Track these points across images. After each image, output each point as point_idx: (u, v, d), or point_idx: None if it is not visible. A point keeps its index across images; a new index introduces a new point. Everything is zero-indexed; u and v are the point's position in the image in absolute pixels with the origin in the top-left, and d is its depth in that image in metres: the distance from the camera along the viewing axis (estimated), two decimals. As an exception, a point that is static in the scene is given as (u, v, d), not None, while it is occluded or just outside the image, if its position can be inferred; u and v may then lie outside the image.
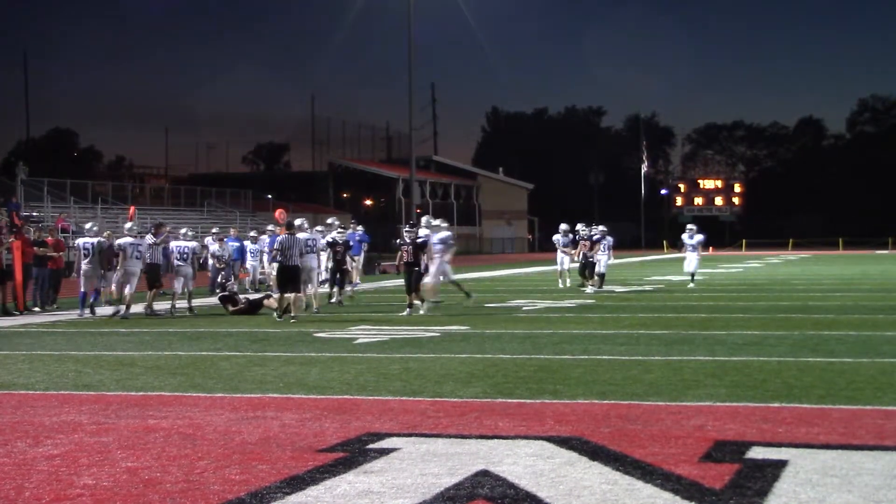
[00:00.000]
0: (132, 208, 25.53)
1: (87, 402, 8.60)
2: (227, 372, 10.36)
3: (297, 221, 18.27)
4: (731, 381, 9.27)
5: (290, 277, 16.82)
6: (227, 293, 18.73)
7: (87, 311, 18.38)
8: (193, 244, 19.60)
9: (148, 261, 18.65)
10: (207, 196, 59.20)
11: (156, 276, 18.60)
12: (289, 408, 8.14)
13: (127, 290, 17.88)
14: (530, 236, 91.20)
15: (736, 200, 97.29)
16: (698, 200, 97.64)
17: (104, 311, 18.78)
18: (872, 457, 6.16)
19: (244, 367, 10.69)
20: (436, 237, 18.68)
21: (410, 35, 50.03)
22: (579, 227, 25.74)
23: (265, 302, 18.55)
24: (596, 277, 24.00)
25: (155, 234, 19.10)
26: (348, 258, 20.67)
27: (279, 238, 17.58)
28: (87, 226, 20.63)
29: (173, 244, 19.86)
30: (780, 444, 6.51)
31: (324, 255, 20.65)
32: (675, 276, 30.42)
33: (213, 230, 26.13)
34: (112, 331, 15.29)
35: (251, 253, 25.39)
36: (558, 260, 26.22)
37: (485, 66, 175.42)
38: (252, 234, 26.68)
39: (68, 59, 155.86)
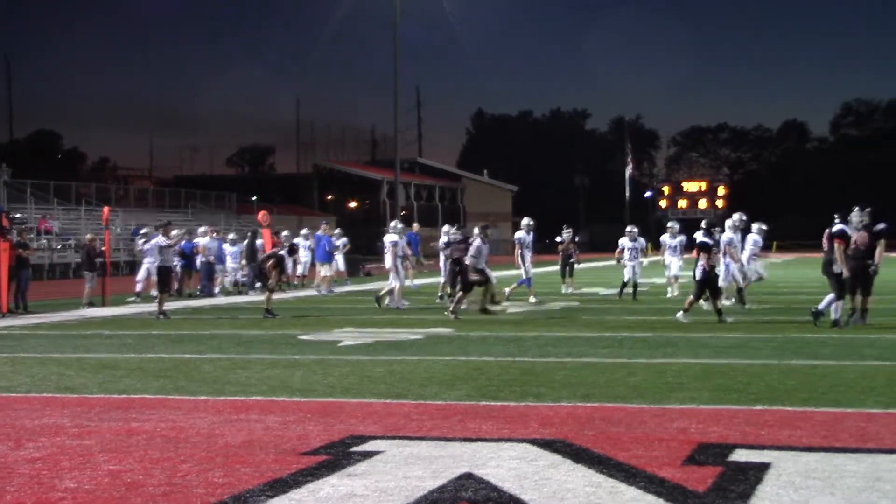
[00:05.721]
0: (106, 209, 24.73)
1: (69, 404, 8.56)
2: (210, 375, 10.33)
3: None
4: (715, 383, 9.30)
5: None
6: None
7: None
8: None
9: (159, 264, 18.57)
10: (192, 198, 58.99)
11: (167, 280, 18.47)
12: (272, 410, 8.12)
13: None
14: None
15: (720, 203, 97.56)
16: (682, 203, 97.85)
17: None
18: (855, 459, 6.18)
19: (228, 370, 10.66)
20: None
21: (396, 38, 50.04)
22: (445, 227, 22.60)
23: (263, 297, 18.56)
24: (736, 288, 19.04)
25: (165, 236, 18.86)
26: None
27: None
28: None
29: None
30: (762, 447, 6.53)
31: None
32: (659, 278, 30.47)
33: (201, 228, 26.02)
34: (95, 333, 15.22)
35: (231, 255, 25.38)
36: (666, 263, 22.93)
37: (470, 69, 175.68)
38: (231, 236, 26.50)
39: (51, 60, 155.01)
